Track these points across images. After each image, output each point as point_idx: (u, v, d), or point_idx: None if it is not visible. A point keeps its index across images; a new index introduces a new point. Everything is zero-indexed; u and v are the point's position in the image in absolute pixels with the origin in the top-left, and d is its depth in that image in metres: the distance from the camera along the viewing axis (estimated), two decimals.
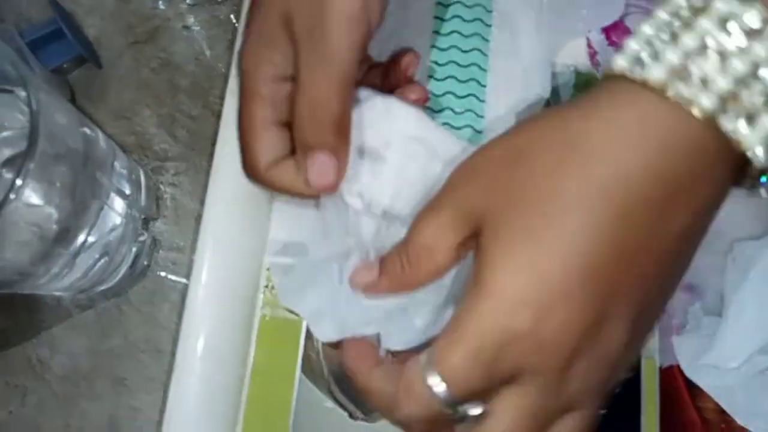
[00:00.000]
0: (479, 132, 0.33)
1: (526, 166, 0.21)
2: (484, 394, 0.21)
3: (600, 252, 0.20)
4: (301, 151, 0.26)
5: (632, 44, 0.19)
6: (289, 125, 0.27)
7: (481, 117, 0.33)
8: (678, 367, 0.31)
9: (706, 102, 0.18)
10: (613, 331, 0.20)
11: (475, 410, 0.20)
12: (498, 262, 0.20)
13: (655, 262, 0.20)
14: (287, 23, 0.25)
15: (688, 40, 0.18)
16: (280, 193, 0.29)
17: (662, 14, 0.19)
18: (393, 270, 0.24)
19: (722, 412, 0.31)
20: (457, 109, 0.33)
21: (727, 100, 0.18)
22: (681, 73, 0.18)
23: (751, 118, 0.18)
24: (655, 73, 0.19)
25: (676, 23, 0.19)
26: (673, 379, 0.31)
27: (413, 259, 0.23)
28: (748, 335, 0.31)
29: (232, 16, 0.37)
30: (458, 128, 0.33)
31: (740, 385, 0.31)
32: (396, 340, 0.30)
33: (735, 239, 0.32)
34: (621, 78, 0.20)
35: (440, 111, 0.33)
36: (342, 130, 0.26)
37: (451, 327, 0.21)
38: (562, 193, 0.20)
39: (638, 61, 0.19)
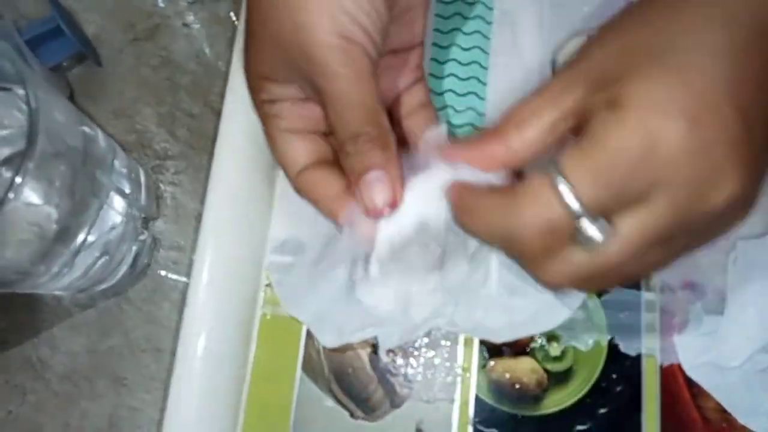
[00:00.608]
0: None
1: (648, 18, 0.20)
2: (611, 212, 0.19)
3: (742, 67, 0.19)
4: (353, 178, 0.24)
5: None
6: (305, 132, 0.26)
7: (482, 115, 0.33)
8: (679, 365, 0.31)
9: None
10: (759, 157, 0.19)
11: (598, 232, 0.19)
12: (640, 74, 0.19)
13: None
14: (287, 54, 0.24)
15: None
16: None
17: None
18: (478, 142, 0.22)
19: (723, 411, 0.31)
20: (458, 107, 0.33)
21: None
22: None
23: None
24: None
25: None
26: (673, 378, 0.31)
27: (502, 135, 0.21)
28: (750, 334, 0.31)
29: (231, 14, 0.37)
30: (459, 126, 0.33)
31: (741, 383, 0.31)
32: (396, 339, 0.30)
33: (737, 238, 0.32)
34: None
35: (441, 109, 0.33)
36: (386, 146, 0.24)
37: (587, 136, 0.19)
38: (694, 19, 0.19)
39: None
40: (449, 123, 0.33)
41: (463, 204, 0.22)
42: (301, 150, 0.26)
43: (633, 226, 0.19)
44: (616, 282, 0.22)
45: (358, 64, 0.23)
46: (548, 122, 0.21)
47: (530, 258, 0.21)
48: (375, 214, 0.23)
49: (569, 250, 0.20)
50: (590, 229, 0.19)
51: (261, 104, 0.26)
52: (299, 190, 0.26)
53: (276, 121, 0.26)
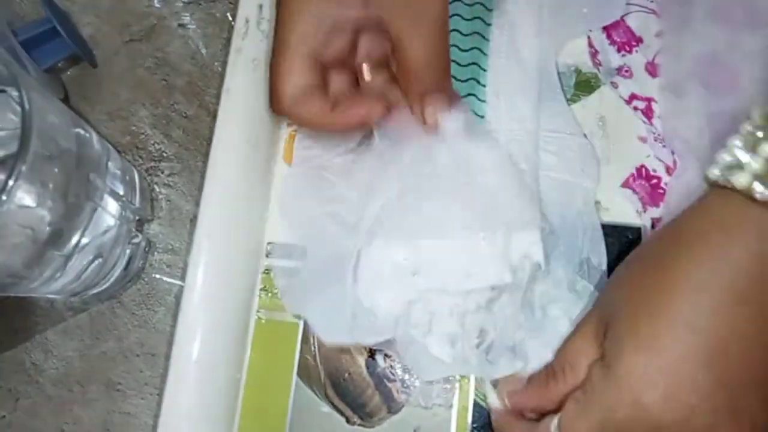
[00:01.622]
0: None
1: (645, 264, 0.25)
2: None
3: (718, 330, 0.21)
4: (417, 97, 0.28)
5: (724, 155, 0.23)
6: (321, 62, 0.29)
7: (481, 116, 0.32)
8: None
9: None
10: (748, 412, 0.21)
11: None
12: (623, 342, 0.23)
13: None
14: None
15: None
16: (303, 125, 0.31)
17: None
18: (538, 384, 0.27)
19: None
20: None
21: None
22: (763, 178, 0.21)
23: None
24: (742, 180, 0.22)
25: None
26: None
27: (558, 375, 0.26)
28: None
29: (228, 14, 0.37)
30: None
31: None
32: (403, 353, 0.30)
33: None
34: (714, 186, 0.23)
35: None
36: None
37: (579, 399, 0.24)
38: (675, 280, 0.22)
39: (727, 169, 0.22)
40: None
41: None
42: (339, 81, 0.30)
43: None
44: None
45: None
46: (590, 362, 0.25)
47: None
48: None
49: None
50: None
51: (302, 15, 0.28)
52: (295, 115, 0.29)
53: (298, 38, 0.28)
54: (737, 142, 0.22)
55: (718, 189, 0.23)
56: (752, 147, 0.22)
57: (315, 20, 0.28)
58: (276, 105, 0.29)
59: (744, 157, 0.22)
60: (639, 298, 0.23)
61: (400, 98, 0.29)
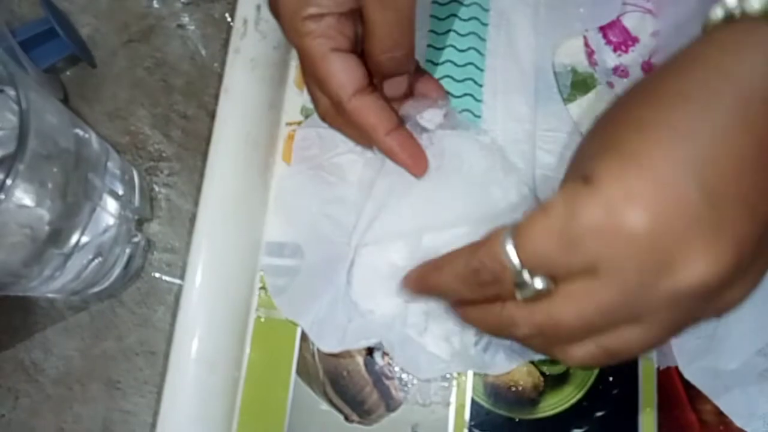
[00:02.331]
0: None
1: (627, 97, 0.21)
2: (556, 275, 0.19)
3: (716, 147, 0.18)
4: (378, 79, 0.28)
5: None
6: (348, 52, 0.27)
7: (478, 117, 0.33)
8: (676, 368, 0.31)
9: None
10: (738, 285, 0.19)
11: (540, 283, 0.19)
12: (602, 154, 0.19)
13: None
14: None
15: None
16: (354, 132, 0.29)
17: None
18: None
19: (720, 413, 0.31)
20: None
21: None
22: None
23: None
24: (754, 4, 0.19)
25: None
26: (671, 381, 0.31)
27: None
28: (747, 336, 0.31)
29: (226, 15, 0.37)
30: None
31: (739, 386, 0.31)
32: (399, 353, 0.30)
33: None
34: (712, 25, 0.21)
35: None
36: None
37: (543, 206, 0.20)
38: (666, 92, 0.19)
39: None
40: None
41: (434, 263, 0.23)
42: (356, 71, 0.27)
43: (578, 291, 0.19)
44: (564, 344, 0.21)
45: None
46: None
47: (477, 296, 0.22)
48: None
49: (514, 302, 0.21)
50: (529, 280, 0.20)
51: (305, 21, 0.26)
52: (352, 114, 0.27)
53: (322, 41, 0.27)
54: None
55: (715, 31, 0.20)
56: None
57: (314, 21, 0.27)
58: (337, 109, 0.28)
59: None
60: (622, 115, 0.21)
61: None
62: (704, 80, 0.19)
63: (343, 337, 0.30)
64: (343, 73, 0.27)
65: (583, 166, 0.20)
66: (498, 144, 0.32)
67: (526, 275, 0.19)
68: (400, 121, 0.29)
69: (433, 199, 0.29)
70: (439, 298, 0.24)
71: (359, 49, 0.28)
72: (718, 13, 0.20)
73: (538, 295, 0.20)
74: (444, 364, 0.29)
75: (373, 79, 0.28)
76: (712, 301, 0.19)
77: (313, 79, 0.28)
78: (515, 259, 0.19)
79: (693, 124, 0.19)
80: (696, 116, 0.19)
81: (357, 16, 0.27)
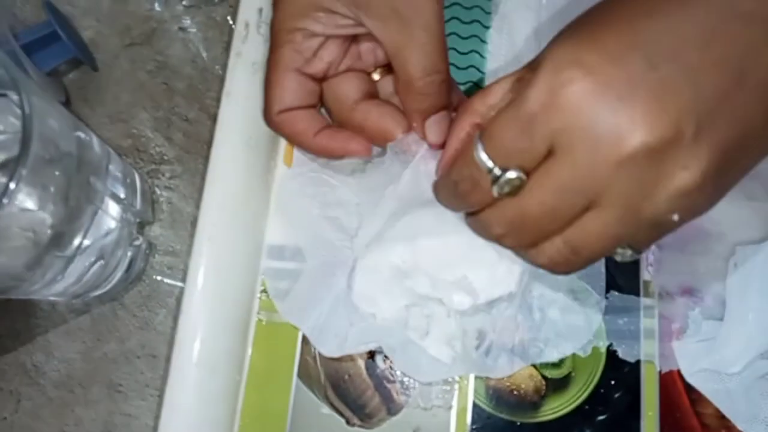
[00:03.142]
0: None
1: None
2: (526, 165, 0.20)
3: (682, 45, 0.18)
4: (418, 115, 0.27)
5: None
6: (310, 77, 0.28)
7: None
8: (678, 372, 0.31)
9: None
10: (687, 157, 0.18)
11: (512, 173, 0.20)
12: (557, 41, 0.20)
13: (755, 95, 0.18)
14: None
15: None
16: (288, 141, 0.31)
17: None
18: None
19: (722, 417, 0.31)
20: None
21: None
22: None
23: None
24: None
25: None
26: (673, 384, 0.31)
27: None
28: (750, 340, 0.31)
29: (228, 18, 0.37)
30: None
31: (741, 390, 0.31)
32: (400, 357, 0.30)
33: (736, 243, 0.32)
34: None
35: None
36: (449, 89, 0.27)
37: (502, 104, 0.21)
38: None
39: None
40: None
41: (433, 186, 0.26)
42: (302, 96, 0.28)
43: (539, 175, 0.20)
44: (534, 243, 0.22)
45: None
46: (505, 89, 0.23)
47: (467, 208, 0.23)
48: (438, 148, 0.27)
49: (491, 206, 0.22)
50: (503, 176, 0.20)
51: (293, 33, 0.27)
52: (278, 126, 0.29)
53: (294, 56, 0.28)
54: None
55: None
56: None
57: (302, 36, 0.27)
58: (265, 118, 0.29)
59: None
60: (586, 13, 0.21)
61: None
62: None
63: (344, 342, 0.30)
64: (287, 93, 0.28)
65: (536, 58, 0.21)
66: None
67: (497, 171, 0.20)
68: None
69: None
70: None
71: (330, 75, 0.29)
72: None
73: (513, 189, 0.20)
74: (445, 367, 0.29)
75: (413, 125, 0.27)
76: (661, 170, 0.18)
77: (265, 82, 0.29)
78: (486, 158, 0.20)
79: (651, 23, 0.19)
80: (658, 21, 0.19)
81: (350, 43, 0.28)
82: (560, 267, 0.22)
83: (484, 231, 0.23)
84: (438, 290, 0.29)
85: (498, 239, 0.23)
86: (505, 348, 0.30)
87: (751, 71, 0.18)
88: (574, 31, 0.20)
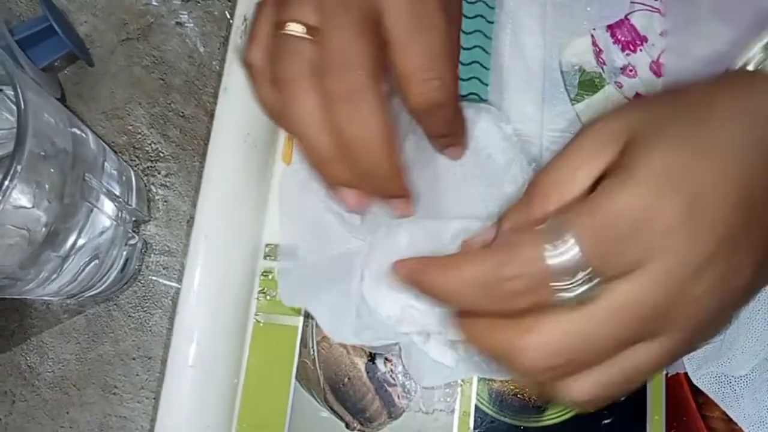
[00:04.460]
0: None
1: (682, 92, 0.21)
2: (600, 274, 0.18)
3: (753, 166, 0.18)
4: (422, 108, 0.24)
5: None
6: None
7: None
8: (685, 374, 0.31)
9: None
10: (746, 260, 0.19)
11: (586, 285, 0.18)
12: (651, 143, 0.19)
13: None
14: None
15: None
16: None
17: None
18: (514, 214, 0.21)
19: (729, 420, 0.30)
20: None
21: None
22: None
23: None
24: None
25: None
26: (679, 387, 0.31)
27: (537, 200, 0.20)
28: (757, 342, 0.30)
29: (226, 12, 0.36)
30: None
31: (748, 393, 0.30)
32: (413, 360, 0.29)
33: None
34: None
35: None
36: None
37: (583, 203, 0.18)
38: (717, 109, 0.19)
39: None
40: None
41: (442, 261, 0.20)
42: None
43: (624, 289, 0.18)
44: (604, 356, 0.19)
45: None
46: (583, 179, 0.20)
47: (508, 316, 0.19)
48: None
49: (553, 310, 0.19)
50: (578, 285, 0.18)
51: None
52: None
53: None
54: None
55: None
56: None
57: None
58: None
59: None
60: (665, 116, 0.20)
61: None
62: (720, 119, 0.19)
63: (354, 332, 0.29)
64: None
65: (623, 148, 0.19)
66: (516, 137, 0.31)
67: (571, 279, 0.18)
68: None
69: (447, 185, 0.28)
70: (435, 301, 0.21)
71: None
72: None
73: (580, 301, 0.18)
74: (448, 371, 0.29)
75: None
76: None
77: None
78: (570, 257, 0.18)
79: (743, 149, 0.19)
80: (743, 129, 0.19)
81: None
82: (587, 404, 0.20)
83: (508, 350, 0.19)
84: None
85: (523, 370, 0.19)
86: None
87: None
88: (665, 133, 0.19)
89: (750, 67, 0.21)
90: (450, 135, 0.27)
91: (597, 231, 0.18)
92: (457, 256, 0.21)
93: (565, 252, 0.18)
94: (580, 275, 0.18)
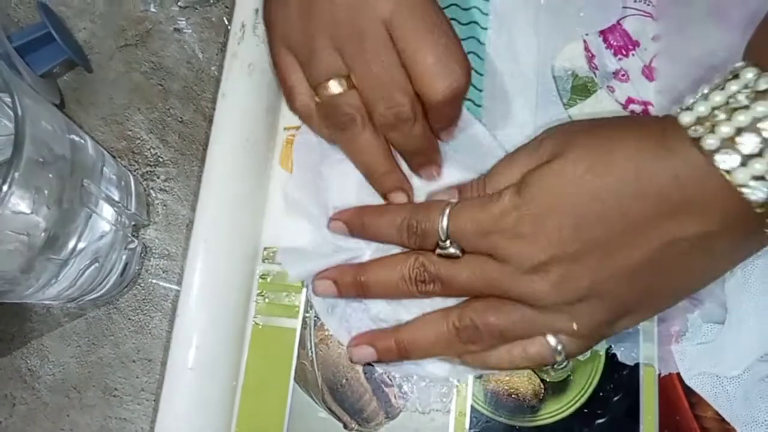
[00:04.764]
0: None
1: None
2: (466, 248, 0.26)
3: (633, 196, 0.23)
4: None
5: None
6: None
7: (479, 120, 0.32)
8: (677, 375, 0.31)
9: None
10: (584, 271, 0.24)
11: (453, 249, 0.27)
12: (554, 166, 0.25)
13: (642, 259, 0.24)
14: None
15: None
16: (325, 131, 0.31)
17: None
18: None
19: (722, 420, 0.31)
20: None
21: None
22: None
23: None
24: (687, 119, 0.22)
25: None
26: (672, 388, 0.31)
27: (473, 185, 0.28)
28: (749, 343, 0.30)
29: (224, 19, 0.36)
30: None
31: (740, 393, 0.31)
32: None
33: None
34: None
35: None
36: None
37: (478, 200, 0.27)
38: (621, 147, 0.24)
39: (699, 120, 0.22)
40: None
41: (375, 208, 0.30)
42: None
43: (476, 261, 0.27)
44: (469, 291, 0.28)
45: None
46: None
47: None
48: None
49: (427, 254, 0.28)
50: (447, 245, 0.27)
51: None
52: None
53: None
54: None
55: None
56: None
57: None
58: (292, 106, 0.30)
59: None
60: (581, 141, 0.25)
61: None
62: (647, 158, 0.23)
63: (348, 327, 0.30)
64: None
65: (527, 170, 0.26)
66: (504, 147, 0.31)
67: (447, 242, 0.27)
68: None
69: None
70: (363, 235, 0.30)
71: None
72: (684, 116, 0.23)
73: (448, 257, 0.27)
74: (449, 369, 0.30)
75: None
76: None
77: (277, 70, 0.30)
78: (445, 230, 0.27)
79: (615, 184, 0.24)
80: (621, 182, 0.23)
81: None
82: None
83: (413, 267, 0.28)
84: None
85: (420, 281, 0.28)
86: None
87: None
88: (572, 159, 0.24)
89: (686, 118, 0.22)
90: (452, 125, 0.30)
91: (468, 220, 0.26)
92: (385, 206, 0.30)
93: (444, 223, 0.27)
94: (448, 242, 0.27)
